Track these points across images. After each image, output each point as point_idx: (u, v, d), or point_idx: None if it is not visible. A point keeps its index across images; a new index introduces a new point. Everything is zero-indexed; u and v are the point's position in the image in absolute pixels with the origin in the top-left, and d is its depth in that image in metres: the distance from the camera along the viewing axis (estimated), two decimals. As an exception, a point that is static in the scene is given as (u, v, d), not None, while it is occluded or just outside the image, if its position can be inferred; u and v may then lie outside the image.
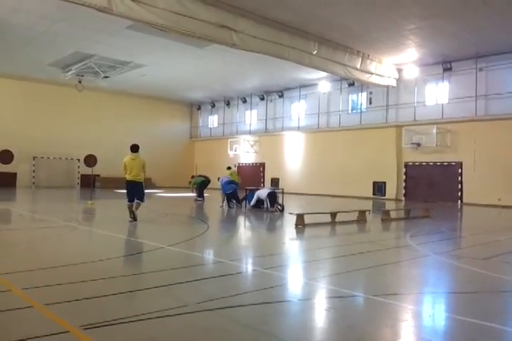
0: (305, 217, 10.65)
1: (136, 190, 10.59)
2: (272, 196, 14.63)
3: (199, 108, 37.46)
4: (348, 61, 20.14)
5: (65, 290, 4.50)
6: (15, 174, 28.47)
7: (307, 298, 4.57)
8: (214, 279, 5.16)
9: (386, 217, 12.46)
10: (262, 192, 14.82)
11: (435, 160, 22.72)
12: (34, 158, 28.67)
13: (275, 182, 29.88)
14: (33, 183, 28.58)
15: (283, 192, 17.20)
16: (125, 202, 10.67)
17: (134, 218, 10.52)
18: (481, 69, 20.96)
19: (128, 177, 10.56)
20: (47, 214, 12.46)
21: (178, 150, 36.18)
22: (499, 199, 20.00)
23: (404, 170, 23.95)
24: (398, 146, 23.99)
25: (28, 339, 3.14)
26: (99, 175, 30.36)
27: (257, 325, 3.60)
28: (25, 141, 28.25)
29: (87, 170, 24.19)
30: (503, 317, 4.19)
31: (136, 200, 10.58)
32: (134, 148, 10.71)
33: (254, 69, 24.88)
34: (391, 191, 24.24)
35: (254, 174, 31.35)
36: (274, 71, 24.91)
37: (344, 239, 9.24)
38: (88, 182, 27.38)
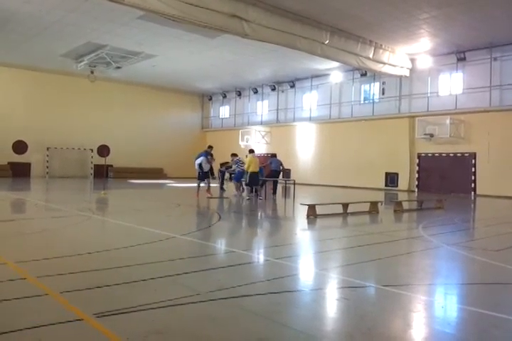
0: (317, 207, 10.66)
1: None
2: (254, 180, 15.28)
3: (210, 98, 37.41)
4: (360, 51, 19.91)
5: (78, 278, 4.56)
6: (29, 164, 28.78)
7: (319, 288, 4.58)
8: (226, 269, 5.18)
9: (398, 208, 12.39)
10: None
11: (448, 151, 22.48)
12: (48, 148, 28.91)
13: (287, 173, 29.81)
14: (47, 173, 28.87)
15: (294, 183, 17.26)
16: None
17: (258, 195, 15.64)
18: (495, 59, 20.62)
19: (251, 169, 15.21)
20: (61, 203, 12.59)
21: (190, 141, 36.10)
22: (513, 191, 19.84)
23: (417, 161, 23.72)
24: (411, 137, 23.77)
25: (42, 326, 3.19)
26: (112, 166, 30.62)
27: (269, 314, 3.61)
28: (38, 131, 28.49)
29: (101, 161, 24.42)
30: (516, 308, 4.17)
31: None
32: (251, 151, 16.07)
33: (265, 60, 24.73)
34: (404, 182, 24.09)
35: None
36: (286, 61, 24.75)
37: (356, 229, 9.22)
38: (101, 173, 27.71)
